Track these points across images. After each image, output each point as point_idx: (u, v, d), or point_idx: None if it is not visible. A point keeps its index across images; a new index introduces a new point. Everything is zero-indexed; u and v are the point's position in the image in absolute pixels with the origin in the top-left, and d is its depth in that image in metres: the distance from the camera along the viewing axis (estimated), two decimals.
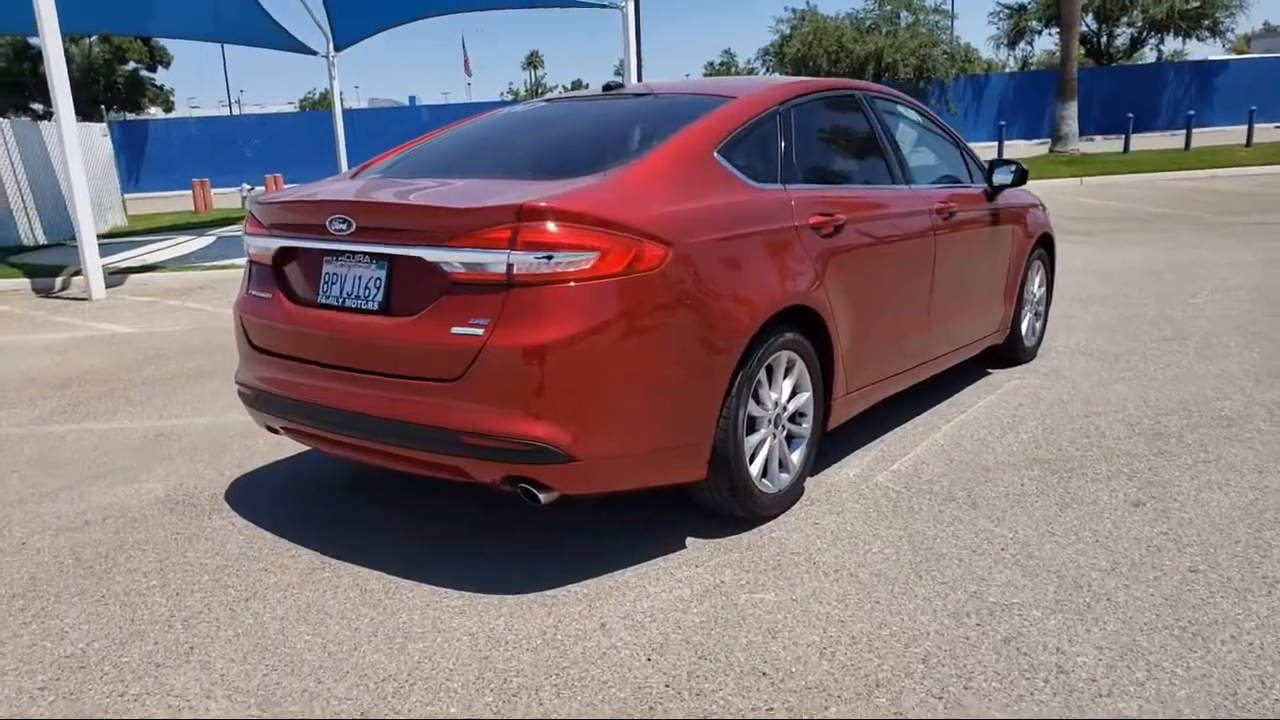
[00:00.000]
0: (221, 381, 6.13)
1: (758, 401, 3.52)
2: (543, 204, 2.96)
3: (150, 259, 12.53)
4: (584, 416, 2.99)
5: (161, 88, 46.93)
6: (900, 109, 4.88)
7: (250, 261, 3.77)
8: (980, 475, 4.05)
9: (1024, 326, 5.87)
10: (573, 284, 2.95)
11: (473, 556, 3.40)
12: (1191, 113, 25.76)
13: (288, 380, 3.46)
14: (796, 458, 3.76)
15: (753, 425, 3.51)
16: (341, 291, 3.33)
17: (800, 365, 3.69)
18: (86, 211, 9.83)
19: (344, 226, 3.24)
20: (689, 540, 3.48)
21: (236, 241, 14.36)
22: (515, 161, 3.69)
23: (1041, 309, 6.19)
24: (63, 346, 7.59)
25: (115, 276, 10.92)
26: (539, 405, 2.95)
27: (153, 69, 44.27)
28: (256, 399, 3.63)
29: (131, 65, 42.75)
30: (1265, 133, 25.38)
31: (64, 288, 10.66)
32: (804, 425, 3.80)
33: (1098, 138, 31.60)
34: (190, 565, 3.41)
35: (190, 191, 23.71)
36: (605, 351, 2.99)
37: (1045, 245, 6.07)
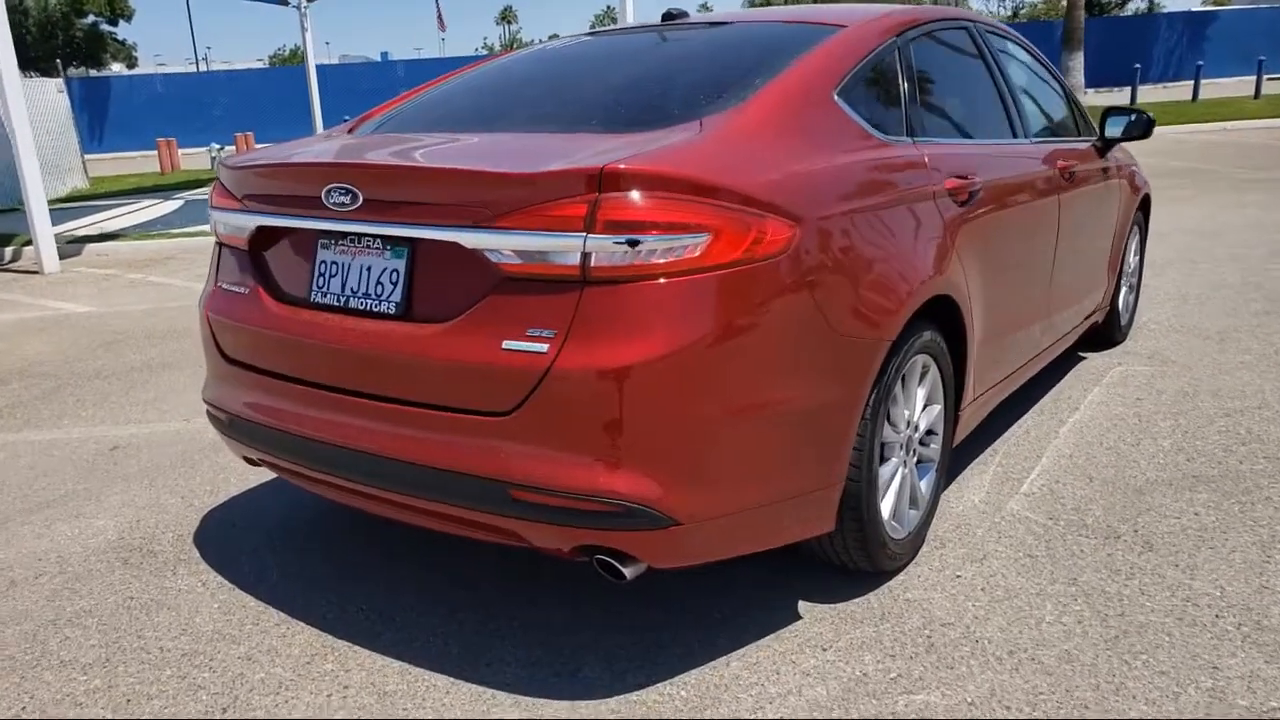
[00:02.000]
0: (189, 374, 5.24)
1: (890, 422, 2.70)
2: (634, 167, 2.10)
3: (111, 225, 11.51)
4: (688, 463, 2.16)
5: (124, 43, 45.12)
6: (1011, 47, 4.02)
7: (219, 244, 2.89)
8: (1136, 500, 3.26)
9: (1120, 301, 5.08)
10: (674, 279, 2.10)
11: (524, 632, 2.58)
12: (1201, 63, 24.98)
13: (272, 406, 2.60)
14: (925, 487, 2.96)
15: (883, 453, 2.70)
16: (344, 287, 2.46)
17: (933, 370, 2.87)
18: (35, 174, 8.82)
19: (347, 199, 2.37)
20: (802, 607, 2.67)
21: (205, 206, 13.33)
22: (569, 112, 2.82)
23: (1135, 280, 5.41)
24: (5, 330, 6.65)
25: (72, 246, 9.93)
26: (626, 450, 2.12)
27: (113, 22, 42.46)
28: (231, 426, 2.78)
29: (91, 19, 40.94)
30: (1254, 84, 24.62)
31: (14, 259, 9.65)
32: (933, 446, 2.99)
33: (1090, 91, 30.77)
34: (148, 652, 2.57)
35: (155, 152, 22.46)
36: (717, 372, 2.16)
37: (1144, 208, 5.27)
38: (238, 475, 3.75)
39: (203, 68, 60.12)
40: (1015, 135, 3.66)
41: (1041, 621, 2.55)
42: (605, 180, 2.09)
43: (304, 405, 2.52)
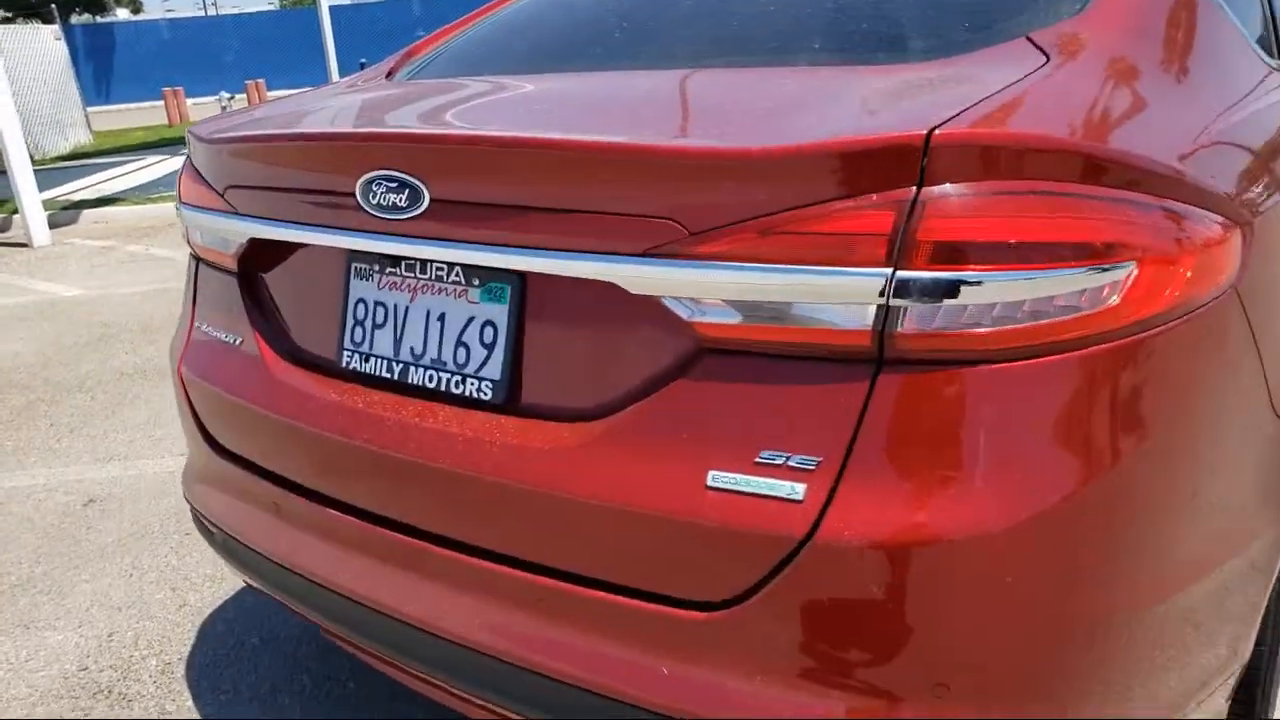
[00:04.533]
0: None
1: None
2: (990, 133, 1.07)
3: (112, 187, 10.48)
4: (1075, 688, 1.14)
5: None
6: None
7: (195, 260, 1.85)
8: None
9: None
10: (1073, 353, 1.07)
11: None
12: None
13: (287, 536, 1.59)
14: None
15: None
16: (396, 346, 1.44)
17: None
18: (16, 136, 7.77)
19: (401, 196, 1.34)
20: None
21: None
22: (761, 29, 1.69)
23: None
24: None
25: (67, 212, 8.91)
26: (971, 687, 1.09)
27: None
28: (227, 549, 1.77)
29: None
30: None
31: (2, 229, 8.66)
32: None
33: None
34: None
35: (162, 102, 21.34)
36: (1139, 531, 1.12)
37: None
38: None
39: (211, 12, 58.60)
40: None
41: None
42: (934, 158, 1.04)
43: (337, 542, 1.51)
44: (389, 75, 2.06)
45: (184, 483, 1.93)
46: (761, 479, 1.12)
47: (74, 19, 31.92)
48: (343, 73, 15.44)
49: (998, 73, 1.26)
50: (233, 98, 20.04)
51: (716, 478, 1.14)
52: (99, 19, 36.90)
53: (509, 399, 1.34)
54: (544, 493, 1.25)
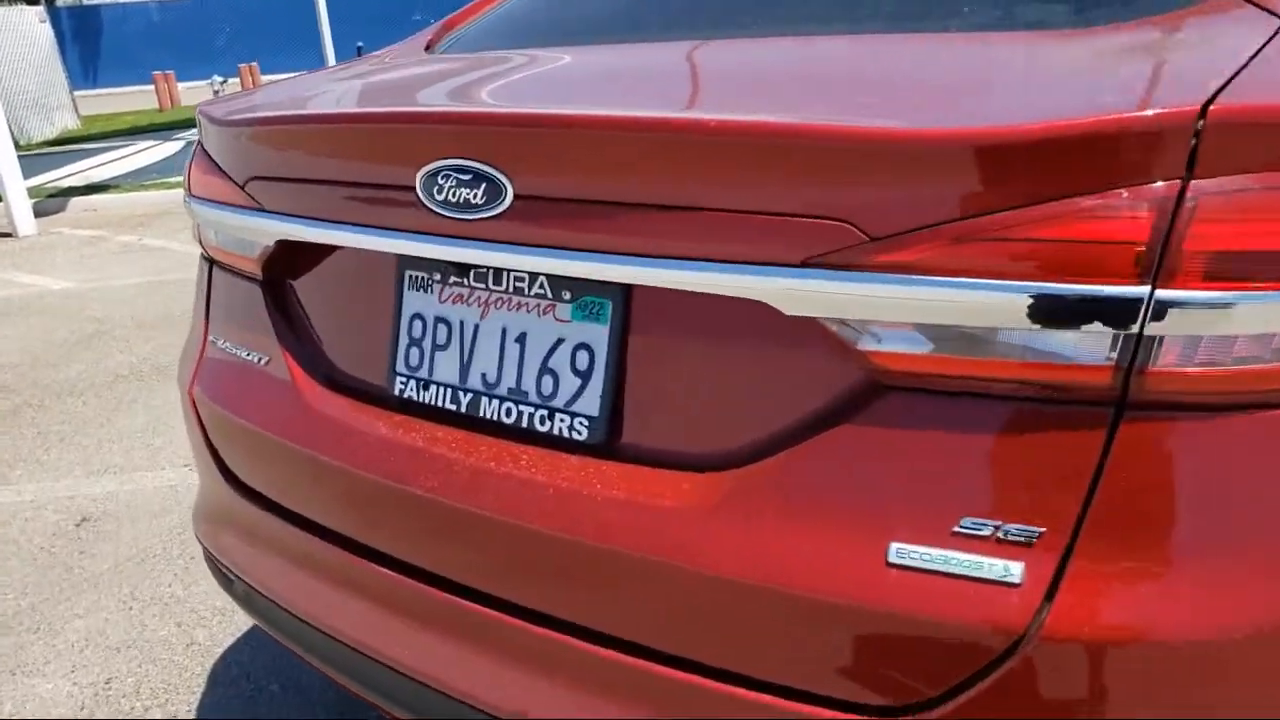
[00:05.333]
0: None
1: None
2: None
3: (102, 174, 10.15)
4: None
5: None
6: None
7: (208, 263, 1.59)
8: None
9: None
10: None
11: None
12: None
13: (326, 594, 1.33)
14: None
15: None
16: (464, 372, 1.19)
17: None
18: (0, 120, 7.45)
19: (475, 191, 1.08)
20: None
21: None
22: None
23: None
24: None
25: (54, 200, 8.60)
26: None
27: None
28: (249, 602, 1.52)
29: None
30: None
31: None
32: None
33: None
34: None
35: (152, 87, 20.91)
36: None
37: None
38: None
39: None
40: None
41: None
42: (1208, 141, 0.79)
43: (391, 608, 1.25)
44: (428, 48, 1.79)
45: (196, 520, 1.67)
46: (962, 555, 0.86)
47: (59, 1, 31.39)
48: (339, 57, 15.07)
49: (1225, 36, 1.00)
50: (225, 81, 19.65)
51: (900, 552, 0.89)
52: (85, 1, 36.35)
53: (609, 440, 1.08)
54: (658, 561, 1.00)
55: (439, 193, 1.10)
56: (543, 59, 1.41)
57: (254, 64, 20.95)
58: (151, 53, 27.80)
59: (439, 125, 1.10)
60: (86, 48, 29.26)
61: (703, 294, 0.98)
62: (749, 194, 0.92)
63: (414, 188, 1.12)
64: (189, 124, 15.62)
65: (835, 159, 0.88)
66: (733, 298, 0.96)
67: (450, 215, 1.10)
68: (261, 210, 1.35)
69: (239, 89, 19.43)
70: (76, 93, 17.29)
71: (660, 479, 1.03)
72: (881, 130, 0.86)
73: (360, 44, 17.01)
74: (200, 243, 1.56)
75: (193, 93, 21.72)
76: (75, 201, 8.65)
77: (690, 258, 0.96)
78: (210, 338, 1.53)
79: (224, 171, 1.42)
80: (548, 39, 1.58)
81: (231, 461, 1.48)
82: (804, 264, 0.90)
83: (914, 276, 0.86)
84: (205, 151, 1.49)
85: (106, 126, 16.20)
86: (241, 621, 2.34)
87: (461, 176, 1.07)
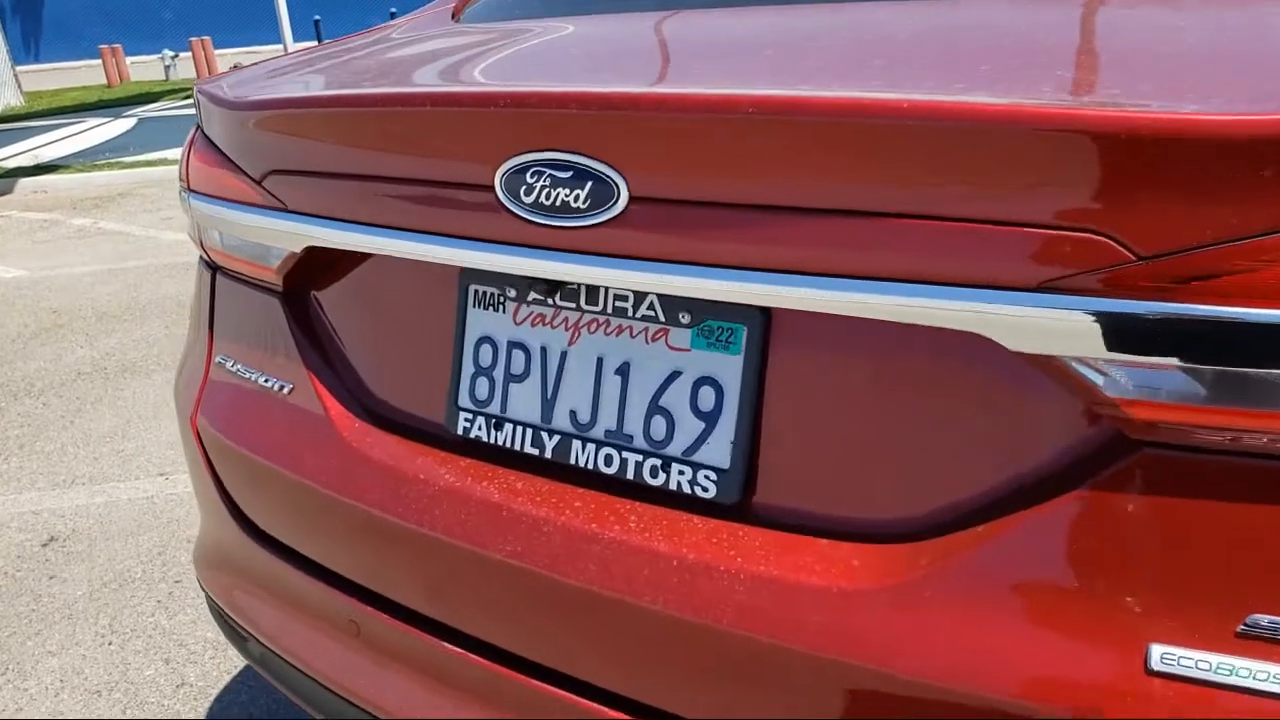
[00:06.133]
0: (161, 381, 3.71)
1: None
2: None
3: (50, 153, 9.70)
4: None
5: None
6: None
7: (210, 268, 1.35)
8: None
9: None
10: None
11: None
12: None
13: (369, 669, 1.12)
14: None
15: None
16: (549, 410, 0.97)
17: None
18: None
19: (578, 193, 0.86)
20: None
21: (165, 125, 11.49)
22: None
23: None
24: None
25: (2, 181, 8.18)
26: None
27: None
28: (268, 663, 1.30)
29: None
30: None
31: None
32: None
33: None
34: None
35: (99, 61, 20.19)
36: None
37: None
38: None
39: None
40: None
41: None
42: None
43: (456, 690, 1.04)
44: (455, 16, 1.55)
45: (198, 563, 1.45)
46: (1257, 664, 0.67)
47: None
48: (295, 31, 14.57)
49: None
50: (176, 56, 19.05)
51: (1166, 656, 0.69)
52: None
53: (744, 498, 0.88)
54: (823, 658, 0.80)
55: (527, 193, 0.88)
56: (617, 29, 1.19)
57: (206, 38, 20.29)
58: (98, 26, 26.86)
59: (533, 110, 0.87)
60: (29, 20, 28.24)
61: (874, 320, 0.78)
62: (968, 198, 0.72)
63: (492, 187, 0.90)
64: (140, 100, 15.08)
65: (1100, 155, 0.67)
66: (925, 326, 0.75)
67: (542, 222, 0.88)
68: (284, 210, 1.12)
69: (190, 64, 18.81)
70: (19, 68, 16.61)
71: (818, 550, 0.83)
72: (1175, 119, 0.66)
73: (317, 17, 16.53)
74: (200, 246, 1.32)
75: (142, 67, 21.02)
76: (23, 183, 8.23)
77: (868, 275, 0.76)
78: (216, 358, 1.30)
79: (234, 163, 1.19)
80: (597, 6, 1.36)
81: (246, 505, 1.26)
82: (1043, 287, 0.70)
83: (1192, 306, 0.66)
84: (208, 139, 1.25)
85: (52, 103, 15.59)
86: (237, 657, 2.11)
87: (560, 174, 0.86)
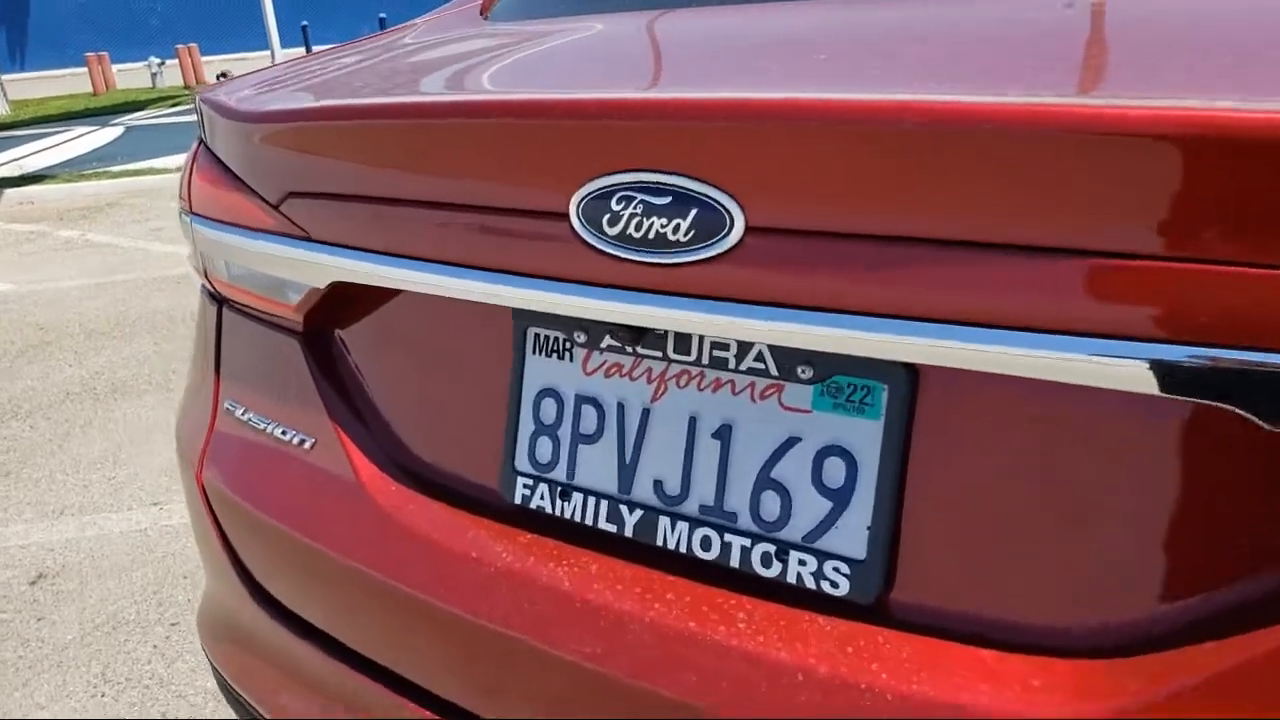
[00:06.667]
0: (154, 403, 3.53)
1: None
2: None
3: (36, 163, 9.50)
4: None
5: None
6: None
7: (215, 301, 1.18)
8: None
9: None
10: None
11: None
12: None
13: None
14: None
15: None
16: (630, 478, 0.81)
17: None
18: None
19: (676, 220, 0.70)
20: None
21: (152, 133, 11.29)
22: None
23: None
24: None
25: None
26: None
27: None
28: None
29: None
30: None
31: None
32: None
33: None
34: None
35: (85, 69, 19.96)
36: None
37: None
38: None
39: None
40: None
41: None
42: None
43: None
44: (483, 13, 1.39)
45: (202, 630, 1.28)
46: None
47: None
48: (283, 38, 14.38)
49: None
50: (163, 63, 18.84)
51: None
52: None
53: (886, 596, 0.72)
54: None
55: (611, 223, 0.72)
56: (689, 26, 1.03)
57: (193, 45, 20.09)
58: (83, 34, 26.59)
59: (622, 121, 0.72)
60: (13, 28, 27.95)
61: (1060, 383, 0.62)
62: (1229, 236, 0.56)
63: (566, 215, 0.74)
64: (127, 108, 14.87)
65: None
66: (1140, 394, 0.60)
67: (631, 258, 0.72)
68: (306, 239, 0.96)
69: (177, 71, 18.60)
70: (4, 76, 16.40)
71: (982, 664, 0.67)
72: None
73: (305, 23, 16.30)
74: (204, 276, 1.16)
75: (128, 74, 20.79)
76: (9, 194, 8.04)
77: (1068, 330, 0.60)
78: (224, 403, 1.14)
79: (245, 184, 1.02)
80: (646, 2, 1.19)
81: (261, 573, 1.10)
82: None
83: None
84: (214, 156, 1.08)
85: (38, 111, 15.38)
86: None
87: (655, 200, 0.70)
